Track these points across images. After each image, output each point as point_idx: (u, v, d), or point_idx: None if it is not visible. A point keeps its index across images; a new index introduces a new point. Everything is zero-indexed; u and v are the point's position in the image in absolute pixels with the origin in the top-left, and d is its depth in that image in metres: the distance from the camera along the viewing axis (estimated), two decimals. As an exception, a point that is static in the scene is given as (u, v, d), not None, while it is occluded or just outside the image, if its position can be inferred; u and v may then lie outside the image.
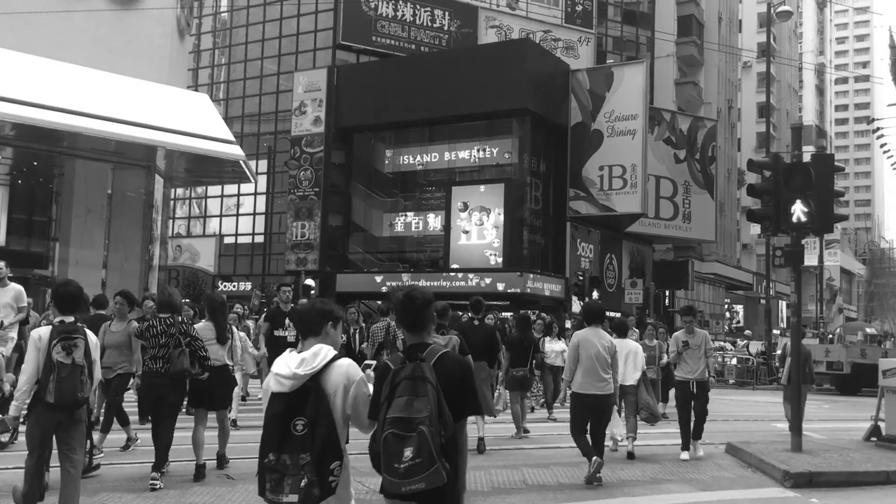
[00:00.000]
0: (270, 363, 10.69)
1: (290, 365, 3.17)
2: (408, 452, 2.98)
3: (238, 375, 10.27)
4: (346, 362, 3.26)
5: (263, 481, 3.08)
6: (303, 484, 3.01)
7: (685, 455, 9.30)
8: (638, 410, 9.78)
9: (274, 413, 3.10)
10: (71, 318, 5.56)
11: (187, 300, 16.46)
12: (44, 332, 5.44)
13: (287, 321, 10.56)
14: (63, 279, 7.40)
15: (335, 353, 3.24)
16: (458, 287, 27.21)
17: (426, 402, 3.06)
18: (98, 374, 5.74)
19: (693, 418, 9.43)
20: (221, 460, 7.70)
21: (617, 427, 9.60)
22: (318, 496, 3.04)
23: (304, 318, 3.42)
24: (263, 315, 11.51)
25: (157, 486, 6.66)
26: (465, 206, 29.81)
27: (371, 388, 3.27)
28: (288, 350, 3.34)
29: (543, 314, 18.72)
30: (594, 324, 8.07)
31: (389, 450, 3.02)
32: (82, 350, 5.41)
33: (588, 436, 7.81)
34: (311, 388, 3.12)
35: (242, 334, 11.25)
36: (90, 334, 5.62)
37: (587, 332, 7.98)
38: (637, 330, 13.65)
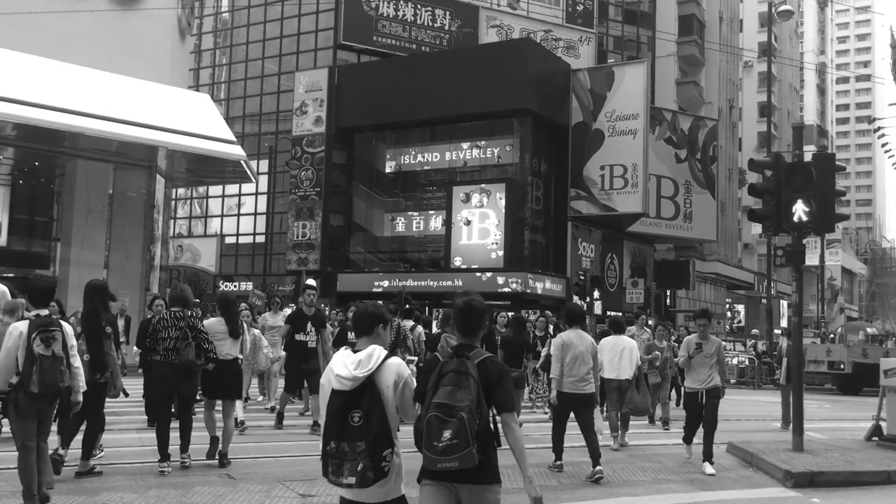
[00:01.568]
0: (289, 367, 10.57)
1: (348, 366, 3.54)
2: (447, 434, 3.37)
3: (246, 375, 10.21)
4: (397, 361, 3.65)
5: (326, 465, 3.49)
6: (359, 468, 3.40)
7: (687, 454, 9.27)
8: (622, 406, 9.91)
9: (335, 408, 3.49)
10: (46, 311, 5.88)
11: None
12: (23, 325, 5.69)
13: (309, 325, 10.27)
14: (101, 281, 7.78)
15: (386, 352, 3.63)
16: (459, 287, 27.16)
17: (468, 393, 3.46)
18: (77, 363, 6.03)
19: (702, 428, 8.84)
20: (223, 459, 7.72)
21: (598, 423, 9.60)
22: (372, 479, 3.41)
23: (359, 321, 3.81)
24: (286, 317, 11.24)
25: (188, 464, 7.41)
26: (468, 197, 29.81)
27: (415, 382, 3.71)
28: (343, 347, 3.76)
29: (548, 311, 18.67)
30: (576, 325, 8.30)
31: (431, 430, 3.41)
32: (60, 342, 5.72)
33: (581, 432, 8.02)
34: (367, 385, 3.49)
35: (257, 331, 11.18)
36: (65, 325, 5.93)
37: (570, 333, 8.21)
38: (648, 330, 13.59)
